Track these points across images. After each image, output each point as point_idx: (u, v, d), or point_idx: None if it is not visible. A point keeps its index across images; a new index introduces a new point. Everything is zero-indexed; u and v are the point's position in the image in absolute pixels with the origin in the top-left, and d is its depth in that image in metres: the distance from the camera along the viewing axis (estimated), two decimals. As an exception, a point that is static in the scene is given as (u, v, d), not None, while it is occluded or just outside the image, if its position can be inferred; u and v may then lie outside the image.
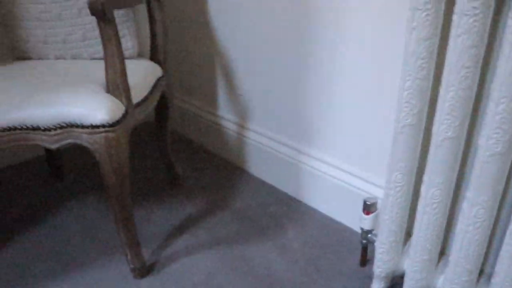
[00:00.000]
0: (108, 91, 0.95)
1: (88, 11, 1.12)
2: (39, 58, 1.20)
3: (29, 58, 1.20)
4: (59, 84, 0.95)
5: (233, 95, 1.51)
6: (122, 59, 0.95)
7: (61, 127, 0.91)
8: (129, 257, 1.06)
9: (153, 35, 1.27)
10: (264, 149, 1.44)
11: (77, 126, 0.90)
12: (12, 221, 1.29)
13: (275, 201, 1.38)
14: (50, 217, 1.30)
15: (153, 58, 1.28)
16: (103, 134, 0.90)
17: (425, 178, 0.82)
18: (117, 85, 0.95)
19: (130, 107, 0.98)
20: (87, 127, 0.90)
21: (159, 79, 1.21)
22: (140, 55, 1.25)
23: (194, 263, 1.13)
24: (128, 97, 0.98)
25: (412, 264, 0.91)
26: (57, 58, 1.19)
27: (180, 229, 1.25)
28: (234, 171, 1.54)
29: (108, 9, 0.89)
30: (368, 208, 1.03)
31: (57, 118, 0.90)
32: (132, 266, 1.06)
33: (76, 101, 0.90)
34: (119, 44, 0.93)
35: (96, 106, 0.89)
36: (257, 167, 1.49)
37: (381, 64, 1.05)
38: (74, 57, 1.18)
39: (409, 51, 0.74)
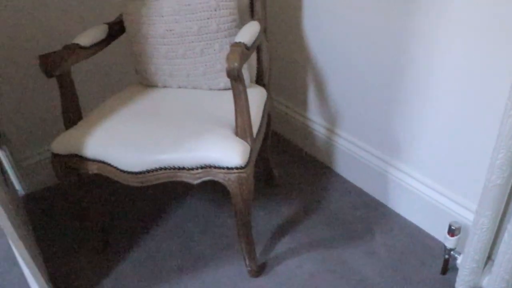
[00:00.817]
0: (237, 134, 1.15)
1: (208, 50, 1.30)
2: (164, 87, 1.41)
3: (156, 86, 1.42)
4: (197, 130, 1.16)
5: (325, 99, 1.66)
6: (248, 109, 1.14)
7: (202, 168, 1.13)
8: (246, 261, 1.31)
9: (259, 61, 1.44)
10: (353, 154, 1.61)
11: (215, 167, 1.12)
12: (138, 221, 1.58)
13: (363, 204, 1.56)
14: (172, 216, 1.58)
15: (258, 81, 1.46)
16: (236, 175, 1.11)
17: (509, 226, 0.97)
18: (244, 129, 1.15)
19: (254, 144, 1.19)
20: (223, 168, 1.11)
21: (266, 102, 1.40)
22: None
23: (297, 264, 1.36)
24: (252, 137, 1.17)
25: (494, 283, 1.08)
26: (179, 87, 1.39)
27: (280, 231, 1.48)
28: (324, 172, 1.73)
29: (241, 73, 1.07)
30: (453, 231, 1.20)
31: (200, 161, 1.12)
32: (249, 268, 1.31)
33: (215, 147, 1.11)
34: (247, 98, 1.12)
35: (230, 152, 1.10)
36: (346, 170, 1.67)
37: (482, 96, 1.16)
38: (194, 87, 1.38)
39: (504, 132, 0.88)
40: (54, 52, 1.21)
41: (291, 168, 1.76)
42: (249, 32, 1.20)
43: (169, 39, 1.30)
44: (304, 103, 1.77)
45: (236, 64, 1.05)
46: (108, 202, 1.67)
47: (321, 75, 1.62)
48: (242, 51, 1.10)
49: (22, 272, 1.37)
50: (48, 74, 1.19)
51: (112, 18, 1.68)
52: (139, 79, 1.44)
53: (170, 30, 1.29)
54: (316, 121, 1.73)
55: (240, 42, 1.13)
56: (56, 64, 1.20)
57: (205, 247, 1.44)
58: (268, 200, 1.61)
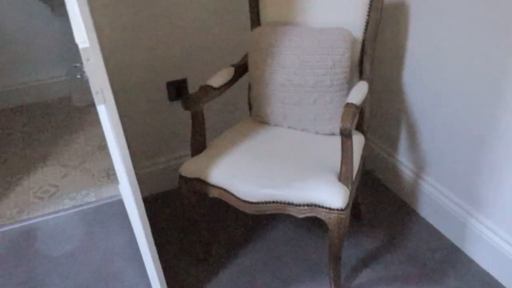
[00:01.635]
0: (339, 179, 1.34)
1: (320, 101, 1.49)
2: (276, 125, 1.62)
3: (268, 124, 1.64)
4: (307, 172, 1.36)
5: (416, 144, 1.80)
6: (352, 159, 1.32)
7: (308, 205, 1.33)
8: (332, 286, 1.49)
9: (361, 111, 1.61)
10: (437, 200, 1.73)
11: (319, 206, 1.31)
12: (237, 237, 1.81)
13: (442, 248, 1.68)
14: (267, 237, 1.79)
15: (358, 127, 1.63)
16: (336, 215, 1.30)
17: None
18: (347, 176, 1.33)
19: (353, 189, 1.36)
20: (326, 208, 1.30)
21: (363, 147, 1.56)
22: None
23: (377, 296, 1.52)
24: (352, 182, 1.35)
25: None
26: (289, 127, 1.60)
27: (362, 262, 1.65)
28: (408, 212, 1.86)
29: (351, 131, 1.26)
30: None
31: (307, 200, 1.32)
32: (335, 293, 1.50)
33: (321, 190, 1.30)
34: (352, 151, 1.30)
35: (334, 195, 1.29)
36: (429, 213, 1.80)
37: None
38: (303, 130, 1.58)
39: None
40: (194, 93, 1.46)
41: (377, 206, 1.91)
42: (359, 93, 1.37)
43: (287, 88, 1.51)
44: (395, 145, 1.91)
45: (348, 125, 1.24)
46: (214, 215, 1.92)
47: (414, 121, 1.76)
48: (353, 112, 1.28)
49: (142, 270, 1.64)
50: (187, 109, 1.45)
51: (229, 54, 1.92)
52: (253, 116, 1.66)
53: (289, 80, 1.50)
54: (406, 163, 1.87)
55: (352, 104, 1.31)
56: (194, 103, 1.45)
57: (294, 269, 1.64)
58: (353, 233, 1.78)
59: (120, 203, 2.03)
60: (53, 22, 2.62)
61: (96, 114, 2.71)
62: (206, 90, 1.50)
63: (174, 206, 2.00)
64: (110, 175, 2.22)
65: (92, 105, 2.82)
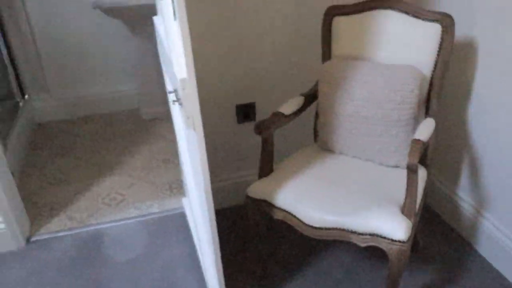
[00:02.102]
0: (403, 211, 1.38)
1: (386, 134, 1.54)
2: (340, 153, 1.68)
3: (332, 151, 1.70)
4: (371, 202, 1.41)
5: (478, 180, 1.80)
6: (416, 193, 1.36)
7: (370, 235, 1.37)
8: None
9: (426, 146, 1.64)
10: (497, 238, 1.72)
11: (382, 237, 1.35)
12: (294, 257, 1.87)
13: (500, 289, 1.67)
14: (323, 260, 1.84)
15: (421, 161, 1.66)
16: (398, 247, 1.33)
17: None
18: (410, 210, 1.36)
19: (415, 222, 1.40)
20: (389, 239, 1.34)
21: (426, 181, 1.59)
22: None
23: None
24: (415, 215, 1.39)
25: None
26: (354, 157, 1.65)
27: (419, 295, 1.66)
28: (466, 248, 1.85)
29: (417, 167, 1.30)
30: None
31: (370, 229, 1.36)
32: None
33: (385, 221, 1.34)
34: (417, 184, 1.34)
35: (397, 227, 1.32)
36: (488, 251, 1.78)
37: None
38: (367, 160, 1.63)
39: None
40: (266, 119, 1.55)
41: (435, 239, 1.91)
42: (427, 130, 1.42)
43: (355, 119, 1.57)
44: (456, 179, 1.92)
45: (415, 161, 1.28)
46: (274, 234, 1.98)
47: (477, 156, 1.76)
48: (421, 149, 1.32)
49: (201, 281, 1.72)
50: (259, 134, 1.54)
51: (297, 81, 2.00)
52: (319, 142, 1.73)
53: (357, 112, 1.56)
54: (466, 199, 1.87)
55: (420, 140, 1.35)
56: (266, 128, 1.54)
57: (349, 294, 1.68)
58: (409, 265, 1.79)
59: (181, 216, 2.14)
60: (130, 40, 2.81)
61: (161, 128, 2.89)
62: (278, 116, 1.58)
63: (234, 222, 2.08)
64: (172, 188, 2.34)
65: (158, 118, 3.00)
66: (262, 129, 1.53)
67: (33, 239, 2.04)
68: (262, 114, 1.98)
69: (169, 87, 1.50)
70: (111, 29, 2.86)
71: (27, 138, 2.75)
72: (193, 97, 1.11)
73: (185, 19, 1.01)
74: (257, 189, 1.55)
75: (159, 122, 2.98)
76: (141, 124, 2.95)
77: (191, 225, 1.97)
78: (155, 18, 1.67)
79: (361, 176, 1.56)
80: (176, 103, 1.13)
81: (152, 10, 2.58)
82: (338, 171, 1.59)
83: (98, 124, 2.98)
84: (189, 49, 1.05)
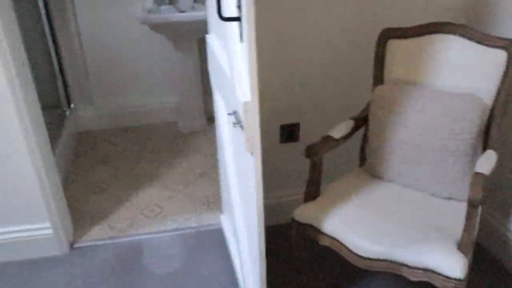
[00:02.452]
0: (459, 248, 1.32)
1: (442, 164, 1.49)
2: (389, 181, 1.64)
3: (381, 178, 1.66)
4: (424, 235, 1.36)
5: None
6: (474, 229, 1.30)
7: (423, 270, 1.32)
8: None
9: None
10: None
11: (436, 273, 1.30)
12: (329, 286, 1.82)
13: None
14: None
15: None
16: (454, 285, 1.28)
17: None
18: (467, 246, 1.31)
19: (470, 260, 1.34)
20: (444, 276, 1.29)
21: (480, 215, 1.53)
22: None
23: None
24: (471, 252, 1.33)
25: None
26: (404, 185, 1.61)
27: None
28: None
29: (480, 201, 1.25)
30: None
31: (423, 264, 1.31)
32: None
33: (440, 257, 1.29)
34: (476, 220, 1.29)
35: (454, 264, 1.27)
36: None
37: None
38: (418, 190, 1.58)
39: None
40: (317, 143, 1.53)
41: (485, 279, 1.83)
42: (489, 163, 1.37)
43: (409, 147, 1.53)
44: (509, 214, 1.84)
45: (479, 196, 1.23)
46: (318, 258, 1.94)
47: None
48: (483, 183, 1.27)
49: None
50: (309, 157, 1.52)
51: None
52: (366, 168, 1.70)
53: (412, 140, 1.52)
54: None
55: (482, 174, 1.30)
56: (316, 152, 1.52)
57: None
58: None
59: (218, 232, 2.13)
60: (173, 55, 2.85)
61: (198, 142, 2.90)
62: (328, 140, 1.56)
63: (275, 241, 2.04)
64: (210, 202, 2.33)
65: (195, 132, 3.02)
66: (312, 153, 1.52)
67: (76, 245, 2.06)
68: (306, 135, 1.96)
69: (225, 107, 1.50)
70: (155, 44, 2.91)
71: (71, 146, 2.81)
72: (255, 121, 1.10)
73: (253, 42, 1.01)
74: (304, 213, 1.53)
75: (196, 135, 2.99)
76: (179, 137, 2.97)
77: (230, 242, 1.95)
78: (208, 37, 1.68)
79: (413, 206, 1.51)
80: (237, 126, 1.12)
81: (196, 27, 2.65)
82: (388, 200, 1.55)
83: (137, 135, 3.01)
84: (255, 72, 1.04)
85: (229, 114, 1.18)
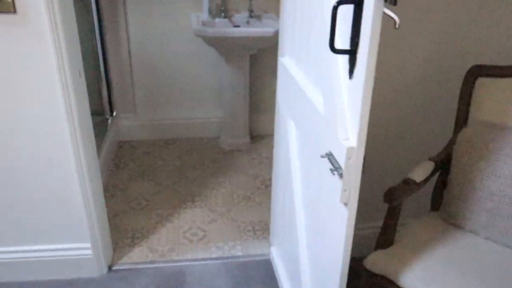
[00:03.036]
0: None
1: (534, 220, 1.34)
2: (470, 231, 1.49)
3: (459, 227, 1.51)
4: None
5: None
6: None
7: None
8: None
9: None
10: None
11: None
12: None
13: None
14: None
15: None
16: None
17: None
18: None
19: None
20: None
21: None
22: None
23: None
24: None
25: None
26: (487, 238, 1.46)
27: None
28: None
29: None
30: None
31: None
32: None
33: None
34: None
35: None
36: None
37: None
38: (504, 244, 1.43)
39: None
40: (398, 187, 1.39)
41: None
42: None
43: (498, 198, 1.39)
44: None
45: None
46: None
47: None
48: None
49: None
50: (389, 202, 1.38)
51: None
52: (444, 215, 1.55)
53: (502, 191, 1.38)
54: None
55: None
56: (398, 196, 1.38)
57: None
58: None
59: (266, 264, 2.00)
60: (222, 70, 2.76)
61: (241, 160, 2.78)
62: (409, 184, 1.42)
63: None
64: (255, 230, 2.21)
65: (238, 150, 2.90)
66: (393, 198, 1.38)
67: (115, 267, 1.95)
68: (369, 167, 1.82)
69: (308, 144, 1.37)
70: (205, 56, 2.81)
71: (111, 156, 2.72)
72: (357, 170, 0.98)
73: (371, 81, 0.89)
74: (377, 263, 1.39)
75: (239, 153, 2.88)
76: (221, 154, 2.86)
77: (281, 276, 1.82)
78: (282, 60, 1.56)
79: (499, 263, 1.36)
80: (335, 173, 1.00)
81: (251, 43, 2.56)
82: (471, 254, 1.40)
83: (178, 148, 2.91)
84: (367, 115, 0.92)
85: (321, 156, 1.06)
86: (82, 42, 1.71)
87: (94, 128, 2.64)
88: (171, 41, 2.76)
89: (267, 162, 2.77)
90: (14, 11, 1.41)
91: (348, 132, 0.98)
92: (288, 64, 1.51)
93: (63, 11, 1.45)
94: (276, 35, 2.45)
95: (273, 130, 3.12)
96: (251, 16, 2.67)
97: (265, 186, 2.54)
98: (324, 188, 1.14)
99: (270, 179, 2.59)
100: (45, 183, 1.70)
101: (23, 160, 1.65)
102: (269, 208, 2.35)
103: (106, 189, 2.44)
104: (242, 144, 2.92)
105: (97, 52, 2.70)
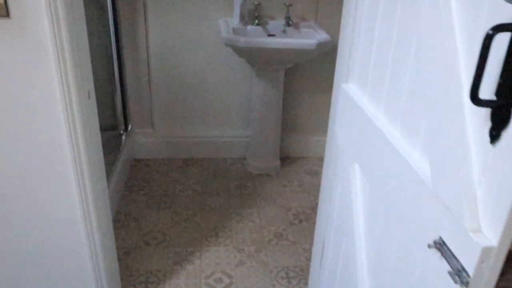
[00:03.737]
0: None
1: None
2: None
3: None
4: None
5: None
6: None
7: None
8: None
9: None
10: None
11: None
12: None
13: None
14: None
15: None
16: None
17: None
18: None
19: None
20: None
21: None
22: None
23: None
24: None
25: None
26: None
27: None
28: None
29: None
30: None
31: None
32: None
33: None
34: None
35: None
36: None
37: None
38: None
39: None
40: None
41: None
42: None
43: None
44: None
45: None
46: None
47: None
48: None
49: None
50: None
51: None
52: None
53: None
54: None
55: None
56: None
57: None
58: None
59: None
60: (253, 85, 2.44)
61: (270, 188, 2.45)
62: (513, 259, 1.08)
63: None
64: (289, 277, 1.88)
65: (266, 174, 2.58)
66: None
67: (124, 323, 1.65)
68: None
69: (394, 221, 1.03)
70: (234, 68, 2.50)
71: (124, 177, 2.42)
72: (493, 278, 0.64)
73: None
74: None
75: (267, 179, 2.55)
76: (247, 179, 2.53)
77: None
78: (345, 86, 1.23)
79: None
80: (456, 278, 0.66)
81: (287, 55, 2.23)
82: None
83: (200, 170, 2.60)
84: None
85: (429, 246, 0.72)
86: (94, 48, 1.40)
87: (106, 145, 2.34)
88: (196, 49, 2.44)
89: (300, 190, 2.44)
90: (7, 15, 1.11)
91: (479, 220, 0.65)
92: (355, 94, 1.17)
93: (69, 15, 1.14)
94: (319, 47, 2.12)
95: (305, 152, 2.78)
96: (288, 24, 2.34)
97: (298, 221, 2.21)
98: (422, 283, 0.80)
99: (304, 212, 2.27)
100: (43, 222, 1.39)
101: (17, 193, 1.34)
102: (304, 249, 2.02)
103: (117, 219, 2.15)
104: (271, 167, 2.59)
105: (112, 59, 2.40)
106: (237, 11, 2.31)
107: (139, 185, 2.42)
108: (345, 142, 1.25)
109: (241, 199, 2.35)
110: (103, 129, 2.56)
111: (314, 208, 2.28)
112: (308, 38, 2.24)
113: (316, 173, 2.61)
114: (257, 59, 2.28)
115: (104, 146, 2.15)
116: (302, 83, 2.57)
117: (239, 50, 2.19)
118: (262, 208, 2.29)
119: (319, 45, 2.10)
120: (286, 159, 2.71)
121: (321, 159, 2.73)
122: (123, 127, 2.55)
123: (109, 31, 2.32)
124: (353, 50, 1.18)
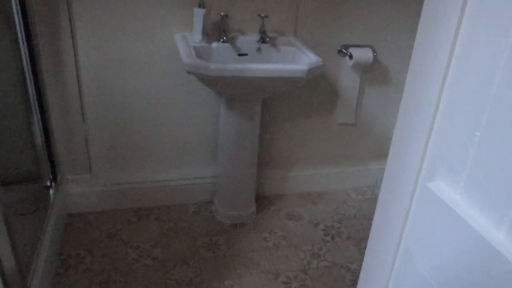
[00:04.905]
0: None
1: None
2: None
3: None
4: None
5: None
6: None
7: None
8: None
9: None
10: None
11: None
12: None
13: None
14: None
15: None
16: None
17: None
18: None
19: None
20: None
21: None
22: None
23: None
24: None
25: None
26: None
27: None
28: None
29: None
30: None
31: None
32: None
33: None
34: None
35: None
36: None
37: None
38: None
39: None
40: None
41: None
42: None
43: None
44: None
45: None
46: None
47: None
48: None
49: None
50: None
51: None
52: None
53: None
54: None
55: None
56: None
57: None
58: None
59: None
60: (221, 113, 1.92)
61: (248, 244, 1.94)
62: None
63: None
64: None
65: (240, 224, 2.10)
66: None
67: None
68: None
69: None
70: (196, 96, 1.97)
71: (57, 245, 1.82)
72: None
73: None
74: None
75: (243, 232, 2.06)
76: (219, 233, 2.03)
77: None
78: (430, 186, 0.76)
79: None
80: None
81: (275, 85, 1.72)
82: None
83: (157, 224, 2.05)
84: None
85: None
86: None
87: (25, 202, 1.79)
88: (146, 72, 1.88)
89: (285, 245, 1.98)
90: None
91: None
92: (453, 199, 0.71)
93: None
94: (309, 74, 1.65)
95: (282, 189, 2.31)
96: (263, 41, 1.84)
97: (292, 293, 1.75)
98: None
99: (296, 278, 1.80)
100: None
101: None
102: None
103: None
104: (246, 215, 2.10)
105: (27, 87, 1.77)
106: (198, 24, 1.77)
107: (77, 257, 1.83)
108: (432, 273, 0.79)
109: (215, 266, 1.84)
110: (20, 181, 1.94)
111: (307, 271, 1.83)
112: (294, 61, 1.76)
113: (299, 217, 2.16)
114: (230, 90, 1.76)
115: (23, 203, 1.57)
116: (278, 110, 2.10)
117: (207, 80, 1.66)
118: (243, 278, 1.80)
119: (310, 71, 1.63)
120: (261, 200, 2.23)
121: (300, 197, 2.31)
122: (50, 176, 1.94)
123: (18, 46, 1.70)
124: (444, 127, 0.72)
